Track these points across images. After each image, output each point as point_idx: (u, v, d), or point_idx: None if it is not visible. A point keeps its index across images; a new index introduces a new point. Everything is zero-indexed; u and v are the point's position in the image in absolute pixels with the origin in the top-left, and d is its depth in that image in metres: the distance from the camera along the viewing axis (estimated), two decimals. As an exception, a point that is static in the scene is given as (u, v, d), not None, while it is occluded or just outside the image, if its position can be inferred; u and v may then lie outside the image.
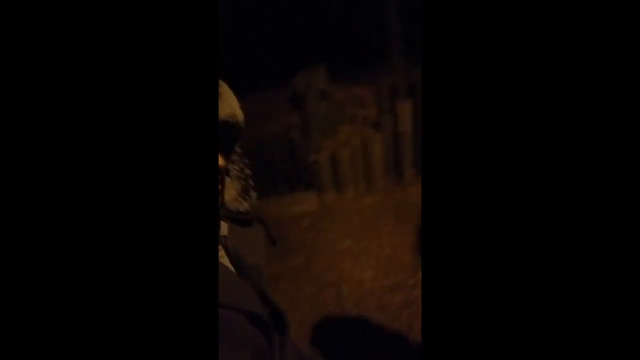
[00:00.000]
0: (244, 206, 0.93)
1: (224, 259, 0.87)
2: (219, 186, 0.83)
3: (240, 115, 0.85)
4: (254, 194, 0.95)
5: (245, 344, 0.74)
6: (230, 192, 0.92)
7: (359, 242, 3.01)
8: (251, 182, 0.95)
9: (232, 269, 0.86)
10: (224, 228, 0.86)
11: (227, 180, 0.91)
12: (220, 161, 0.81)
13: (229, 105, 0.81)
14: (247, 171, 0.94)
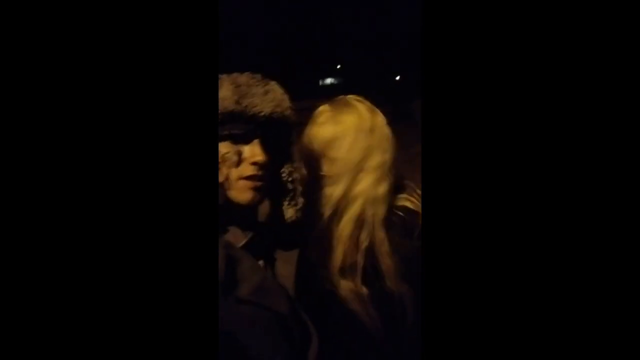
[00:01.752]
0: (288, 213, 0.86)
1: (260, 261, 0.85)
2: (261, 183, 0.80)
3: (291, 115, 0.82)
4: (301, 200, 0.88)
5: (274, 343, 0.75)
6: (277, 195, 0.87)
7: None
8: (299, 187, 0.88)
9: (266, 269, 0.84)
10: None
11: (284, 184, 0.87)
12: (262, 156, 0.78)
13: (276, 103, 0.80)
14: (296, 175, 0.88)
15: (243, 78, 0.81)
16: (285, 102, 0.83)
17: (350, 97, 1.01)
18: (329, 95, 1.07)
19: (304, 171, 0.91)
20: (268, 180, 0.82)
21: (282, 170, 0.87)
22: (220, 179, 0.79)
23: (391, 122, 1.00)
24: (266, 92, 0.80)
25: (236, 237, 0.82)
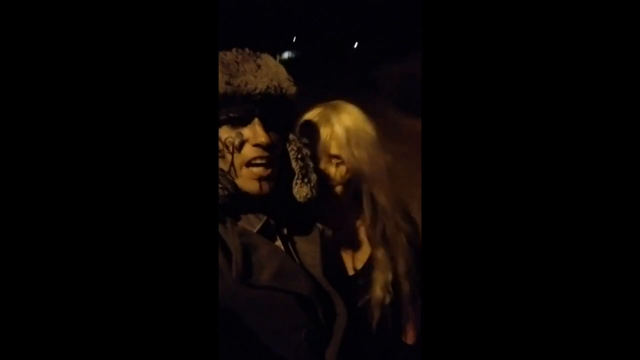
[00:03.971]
0: (304, 191, 0.82)
1: (278, 242, 0.82)
2: (269, 170, 0.75)
3: (289, 87, 0.76)
4: (314, 177, 0.83)
5: (298, 326, 0.74)
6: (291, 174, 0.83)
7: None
8: (310, 163, 0.83)
9: (285, 253, 0.80)
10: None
11: (293, 162, 0.82)
12: (264, 137, 0.73)
13: (271, 77, 0.74)
14: (306, 151, 0.83)
15: (230, 55, 0.75)
16: (281, 73, 0.76)
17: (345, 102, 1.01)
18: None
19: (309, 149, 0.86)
20: (275, 163, 0.77)
21: (290, 147, 0.82)
22: (225, 167, 0.75)
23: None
24: (258, 67, 0.74)
25: (250, 222, 0.78)
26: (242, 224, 0.78)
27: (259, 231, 0.78)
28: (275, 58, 0.78)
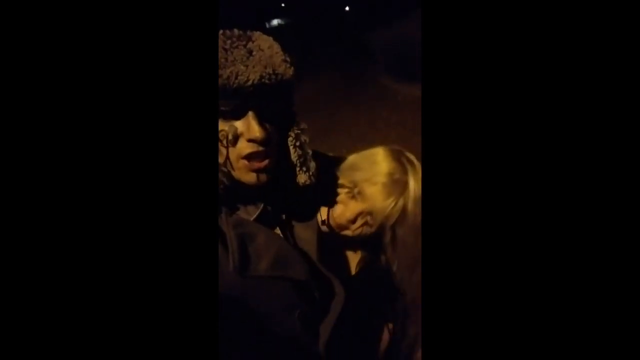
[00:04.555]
0: (302, 178, 0.80)
1: (276, 229, 0.80)
2: (266, 161, 0.72)
3: (285, 71, 0.70)
4: (312, 165, 0.81)
5: (291, 311, 0.74)
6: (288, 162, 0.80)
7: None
8: (308, 151, 0.81)
9: (282, 238, 0.79)
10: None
11: (292, 150, 0.79)
12: (259, 132, 0.68)
13: (265, 63, 0.67)
14: (304, 138, 0.80)
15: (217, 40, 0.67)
16: (276, 56, 0.69)
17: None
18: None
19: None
20: (272, 155, 0.74)
21: (289, 134, 0.79)
22: (220, 159, 0.71)
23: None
24: (250, 53, 0.67)
25: (247, 212, 0.77)
26: (239, 213, 0.76)
27: (256, 219, 0.77)
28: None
